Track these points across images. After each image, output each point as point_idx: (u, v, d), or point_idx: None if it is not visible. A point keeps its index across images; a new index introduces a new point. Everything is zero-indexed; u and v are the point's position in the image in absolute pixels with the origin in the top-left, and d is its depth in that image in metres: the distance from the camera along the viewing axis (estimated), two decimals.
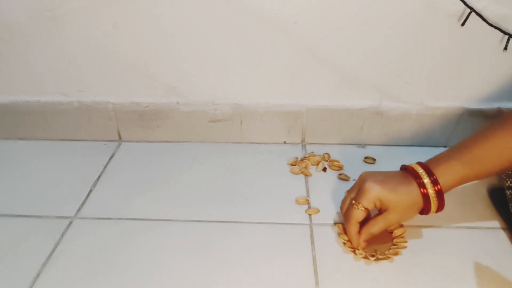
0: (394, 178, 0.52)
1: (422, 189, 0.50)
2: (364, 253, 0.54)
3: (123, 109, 0.75)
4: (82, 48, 0.70)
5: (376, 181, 0.52)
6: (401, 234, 0.56)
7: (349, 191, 0.56)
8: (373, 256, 0.53)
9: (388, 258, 0.53)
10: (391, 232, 0.57)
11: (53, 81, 0.73)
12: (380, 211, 0.53)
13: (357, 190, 0.54)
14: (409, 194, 0.50)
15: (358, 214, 0.53)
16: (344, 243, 0.55)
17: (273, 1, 0.63)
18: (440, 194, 0.50)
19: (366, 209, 0.52)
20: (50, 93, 0.75)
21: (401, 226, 0.57)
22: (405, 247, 0.55)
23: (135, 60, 0.70)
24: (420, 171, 0.51)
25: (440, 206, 0.51)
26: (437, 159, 0.52)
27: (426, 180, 0.50)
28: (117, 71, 0.72)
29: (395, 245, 0.55)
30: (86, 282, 0.53)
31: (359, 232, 0.54)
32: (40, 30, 0.68)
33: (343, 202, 0.57)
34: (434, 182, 0.49)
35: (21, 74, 0.73)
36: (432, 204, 0.50)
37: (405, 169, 0.53)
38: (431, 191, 0.50)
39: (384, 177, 0.52)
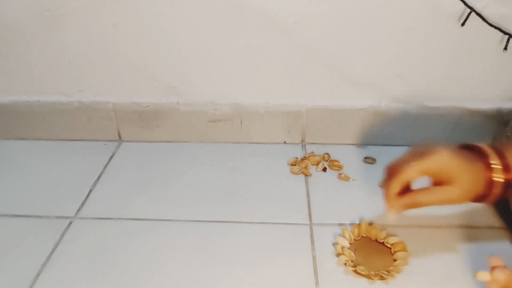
0: (463, 154, 0.44)
1: (491, 173, 0.42)
2: (366, 272, 0.51)
3: (123, 109, 0.75)
4: (82, 48, 0.70)
5: (447, 148, 0.43)
6: (401, 249, 0.54)
7: (408, 154, 0.46)
8: (376, 275, 0.51)
9: (392, 276, 0.51)
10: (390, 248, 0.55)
11: (53, 81, 0.74)
12: (438, 182, 0.44)
13: (419, 154, 0.44)
14: (478, 175, 0.43)
15: (412, 173, 0.43)
16: (345, 264, 0.53)
17: (273, 1, 0.63)
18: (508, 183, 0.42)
19: (422, 173, 0.43)
20: (50, 93, 0.75)
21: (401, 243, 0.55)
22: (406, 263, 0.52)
23: (135, 60, 0.70)
24: (488, 150, 0.43)
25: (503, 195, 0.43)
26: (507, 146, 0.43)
27: (496, 162, 0.42)
28: (117, 71, 0.72)
29: (395, 260, 0.53)
30: (86, 282, 0.53)
31: (403, 195, 0.44)
32: (40, 30, 0.68)
33: (395, 161, 0.46)
34: (506, 168, 0.42)
35: (21, 74, 0.73)
36: (494, 191, 0.43)
37: (470, 148, 0.45)
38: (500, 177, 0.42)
39: (453, 150, 0.44)
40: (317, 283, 0.51)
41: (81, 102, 0.75)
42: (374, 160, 0.72)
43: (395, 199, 0.44)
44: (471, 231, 0.58)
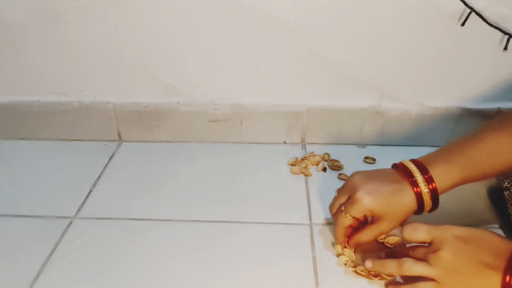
0: (387, 184, 0.50)
1: (415, 188, 0.48)
2: (366, 272, 0.51)
3: (123, 109, 0.75)
4: (82, 48, 0.70)
5: (368, 192, 0.49)
6: (395, 243, 0.54)
7: (339, 193, 0.54)
8: (376, 276, 0.51)
9: (392, 276, 0.51)
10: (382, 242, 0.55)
11: (53, 81, 0.74)
12: (372, 219, 0.52)
13: (347, 196, 0.52)
14: (403, 203, 0.49)
15: (346, 221, 0.52)
16: (345, 264, 0.53)
17: (273, 1, 0.63)
18: (434, 194, 0.48)
19: (355, 217, 0.51)
20: (50, 93, 0.75)
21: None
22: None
23: (135, 60, 0.70)
24: (412, 167, 0.49)
25: (435, 206, 0.49)
26: (433, 159, 0.50)
27: (420, 178, 0.48)
28: (117, 71, 0.72)
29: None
30: (86, 281, 0.53)
31: (349, 237, 0.53)
32: (40, 30, 0.68)
33: (332, 204, 0.55)
34: (428, 180, 0.48)
35: (21, 74, 0.73)
36: (425, 204, 0.49)
37: (397, 167, 0.52)
38: (425, 190, 0.48)
39: (376, 186, 0.50)
40: (317, 283, 0.52)
41: (81, 102, 0.75)
42: (374, 160, 0.72)
43: (344, 241, 0.54)
44: None
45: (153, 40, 0.68)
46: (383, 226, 0.50)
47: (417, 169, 0.49)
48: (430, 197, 0.48)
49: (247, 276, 0.53)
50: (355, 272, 0.52)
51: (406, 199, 0.49)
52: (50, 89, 0.74)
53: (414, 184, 0.49)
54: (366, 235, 0.52)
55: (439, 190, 0.48)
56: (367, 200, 0.49)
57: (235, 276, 0.53)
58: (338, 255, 0.55)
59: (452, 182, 0.49)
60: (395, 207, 0.49)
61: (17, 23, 0.67)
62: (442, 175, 0.48)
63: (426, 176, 0.48)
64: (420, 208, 0.50)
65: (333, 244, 0.56)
